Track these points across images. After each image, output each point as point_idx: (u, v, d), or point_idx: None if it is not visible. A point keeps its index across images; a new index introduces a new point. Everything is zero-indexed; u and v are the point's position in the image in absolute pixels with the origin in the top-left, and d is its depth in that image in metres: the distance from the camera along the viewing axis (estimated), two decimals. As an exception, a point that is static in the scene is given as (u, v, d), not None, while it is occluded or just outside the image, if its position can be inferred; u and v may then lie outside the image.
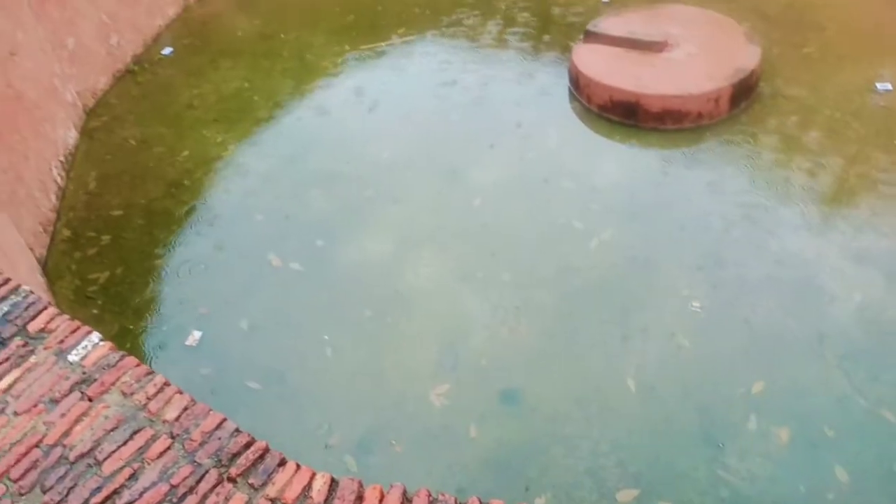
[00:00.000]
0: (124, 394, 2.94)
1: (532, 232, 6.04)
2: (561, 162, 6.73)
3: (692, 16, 7.89)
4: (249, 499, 2.58)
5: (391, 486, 2.63)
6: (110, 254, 6.30)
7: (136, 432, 2.80)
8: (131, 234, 6.48)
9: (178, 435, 2.79)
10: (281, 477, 2.65)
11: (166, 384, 2.97)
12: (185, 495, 2.59)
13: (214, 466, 2.68)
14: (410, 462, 4.55)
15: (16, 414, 2.89)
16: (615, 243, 5.84)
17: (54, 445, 2.77)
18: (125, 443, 2.76)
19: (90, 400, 2.92)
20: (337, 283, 5.80)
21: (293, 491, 2.60)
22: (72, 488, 2.63)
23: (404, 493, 2.61)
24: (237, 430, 2.80)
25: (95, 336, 3.17)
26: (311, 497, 2.59)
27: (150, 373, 3.04)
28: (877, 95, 6.94)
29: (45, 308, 3.32)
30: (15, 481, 2.67)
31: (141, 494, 2.59)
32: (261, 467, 2.68)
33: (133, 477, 2.65)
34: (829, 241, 5.61)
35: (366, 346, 5.30)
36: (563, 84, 7.67)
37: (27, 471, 2.70)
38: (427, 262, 5.87)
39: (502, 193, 6.45)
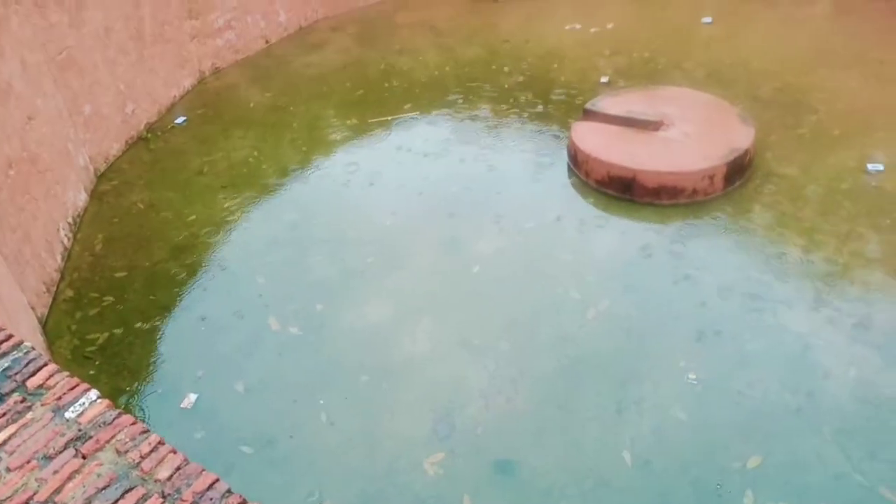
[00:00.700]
0: (118, 452, 2.95)
1: (530, 301, 6.10)
2: (559, 233, 6.88)
3: (687, 97, 8.20)
4: (237, 561, 2.56)
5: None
6: (111, 315, 6.36)
7: (127, 491, 2.79)
8: (133, 295, 6.56)
9: (169, 494, 2.78)
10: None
11: (161, 443, 2.98)
12: (172, 556, 2.58)
13: (204, 527, 2.67)
14: (402, 533, 4.48)
15: (8, 470, 2.89)
16: (612, 314, 5.90)
17: (45, 503, 2.76)
18: (116, 501, 2.75)
19: (84, 457, 2.92)
20: (335, 348, 5.84)
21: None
22: (60, 546, 2.62)
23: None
24: (229, 491, 2.79)
25: (94, 393, 3.19)
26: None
27: (146, 431, 3.04)
28: (868, 175, 7.12)
29: (45, 364, 3.35)
30: (4, 538, 2.66)
31: (129, 554, 2.58)
32: (251, 529, 2.67)
33: (122, 536, 2.64)
34: (823, 317, 5.66)
35: (361, 412, 5.29)
36: (563, 159, 7.90)
37: (17, 528, 2.69)
38: (425, 328, 5.92)
39: (502, 262, 6.55)
